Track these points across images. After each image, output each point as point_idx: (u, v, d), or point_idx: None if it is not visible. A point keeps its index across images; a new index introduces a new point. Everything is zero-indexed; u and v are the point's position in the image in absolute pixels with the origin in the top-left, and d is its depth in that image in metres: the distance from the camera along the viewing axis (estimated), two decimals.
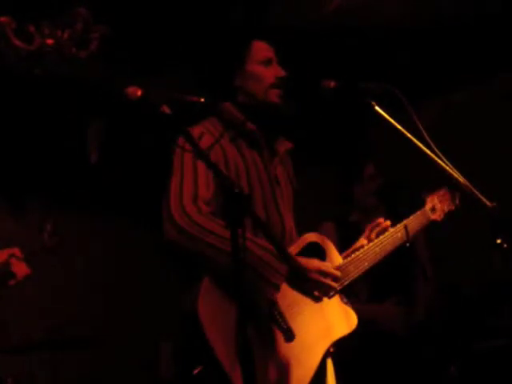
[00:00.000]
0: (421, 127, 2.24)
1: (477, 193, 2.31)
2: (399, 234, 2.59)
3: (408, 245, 2.61)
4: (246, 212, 1.83)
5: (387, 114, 2.29)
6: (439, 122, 4.56)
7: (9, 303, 4.76)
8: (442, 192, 2.83)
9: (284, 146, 2.58)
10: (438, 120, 4.61)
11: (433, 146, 2.26)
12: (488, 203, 2.36)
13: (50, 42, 2.54)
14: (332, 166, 4.83)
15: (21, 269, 3.22)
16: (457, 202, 2.83)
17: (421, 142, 2.28)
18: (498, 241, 2.36)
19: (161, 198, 2.36)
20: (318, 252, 2.40)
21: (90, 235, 5.34)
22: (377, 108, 2.30)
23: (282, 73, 2.51)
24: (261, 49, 2.54)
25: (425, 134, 2.25)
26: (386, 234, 2.57)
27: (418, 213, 2.73)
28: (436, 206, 2.79)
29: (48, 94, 4.03)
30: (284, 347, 2.18)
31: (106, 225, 5.38)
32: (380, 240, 2.56)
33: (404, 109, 2.23)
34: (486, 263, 2.50)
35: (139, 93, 1.98)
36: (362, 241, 2.57)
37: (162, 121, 1.95)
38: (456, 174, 2.25)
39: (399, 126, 2.28)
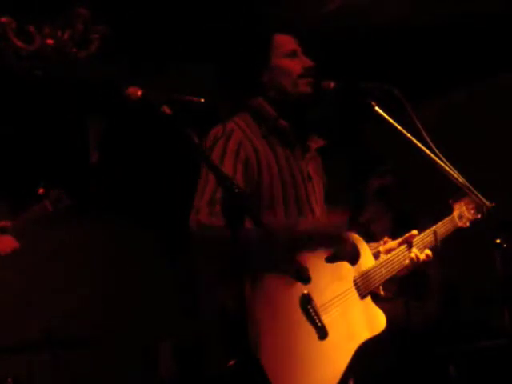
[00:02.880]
0: (420, 127, 2.24)
1: (476, 193, 2.31)
2: (428, 239, 2.60)
3: (438, 249, 2.62)
4: (246, 211, 1.84)
5: (387, 114, 2.30)
6: (439, 122, 4.56)
7: (9, 303, 4.77)
8: (467, 199, 2.77)
9: (316, 142, 2.58)
10: (437, 120, 4.61)
11: (432, 146, 2.26)
12: (487, 203, 2.37)
13: (50, 42, 2.55)
14: (343, 164, 4.81)
15: (4, 243, 3.13)
16: (484, 210, 2.74)
17: (420, 142, 2.28)
18: (498, 241, 2.37)
19: (162, 198, 2.39)
20: (353, 252, 2.43)
21: (90, 235, 5.34)
22: (377, 108, 2.31)
23: (308, 62, 2.48)
24: (284, 42, 2.52)
25: (424, 134, 2.25)
26: (416, 238, 2.58)
27: (447, 219, 2.71)
28: (463, 213, 2.77)
29: (48, 94, 4.03)
30: (316, 344, 2.21)
31: (106, 225, 5.38)
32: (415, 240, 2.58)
33: (404, 109, 2.23)
34: (485, 263, 2.50)
35: (139, 93, 1.98)
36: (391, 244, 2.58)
37: (162, 121, 1.96)
38: (455, 174, 2.25)
39: (399, 127, 2.28)
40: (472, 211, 2.78)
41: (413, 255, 2.51)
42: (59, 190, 3.39)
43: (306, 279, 1.85)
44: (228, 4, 3.96)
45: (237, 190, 1.83)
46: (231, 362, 2.17)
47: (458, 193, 2.54)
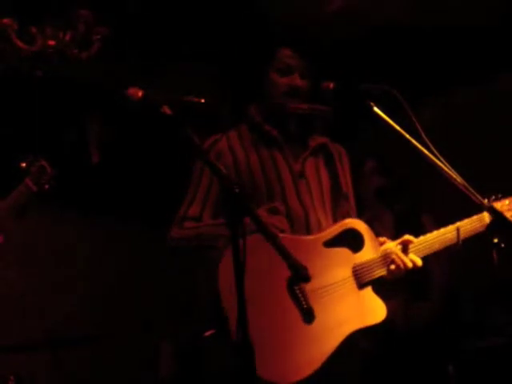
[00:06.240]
0: (419, 127, 2.25)
1: (474, 192, 2.32)
2: (449, 235, 2.51)
3: (458, 247, 2.51)
4: (246, 211, 1.86)
5: (386, 114, 2.31)
6: (439, 122, 4.56)
7: (10, 302, 4.79)
8: (508, 201, 2.63)
9: (315, 141, 2.61)
10: (438, 120, 4.61)
11: (431, 146, 2.27)
12: (485, 203, 2.38)
13: (51, 43, 2.57)
14: None
15: None
16: None
17: (419, 143, 2.29)
18: (496, 240, 2.37)
19: (162, 198, 2.47)
20: (357, 239, 2.42)
21: (90, 235, 5.36)
22: (375, 109, 2.32)
23: (297, 83, 2.53)
24: (283, 56, 2.56)
25: (423, 135, 2.26)
26: (434, 232, 2.52)
27: (475, 217, 2.57)
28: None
29: (50, 95, 4.05)
30: (302, 327, 2.23)
31: (107, 224, 5.40)
32: (426, 238, 2.51)
33: (403, 109, 2.24)
34: (484, 263, 2.51)
35: (140, 94, 2.00)
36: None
37: (162, 121, 1.97)
38: (454, 174, 2.26)
39: (398, 127, 2.29)
40: (510, 213, 2.58)
41: (398, 261, 2.43)
42: (41, 160, 3.39)
43: (305, 279, 1.86)
44: (228, 4, 3.97)
45: (237, 191, 1.85)
46: (208, 332, 2.20)
47: (477, 199, 2.44)
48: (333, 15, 4.16)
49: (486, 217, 2.58)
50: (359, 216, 3.96)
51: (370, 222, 3.90)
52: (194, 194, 2.51)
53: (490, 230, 2.48)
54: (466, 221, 2.56)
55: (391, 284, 2.48)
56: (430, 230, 2.56)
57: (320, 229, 2.46)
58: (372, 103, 2.31)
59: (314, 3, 4.11)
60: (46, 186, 3.38)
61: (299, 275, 1.85)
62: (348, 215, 2.60)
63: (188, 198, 2.53)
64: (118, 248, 5.42)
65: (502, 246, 2.31)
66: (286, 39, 2.61)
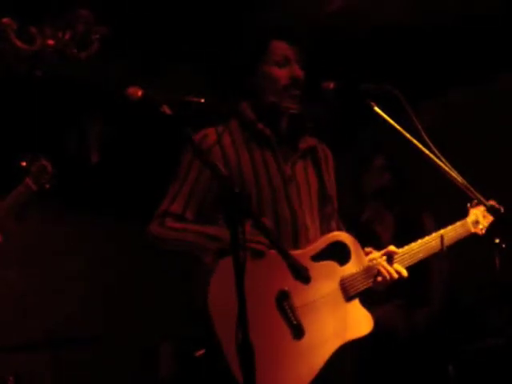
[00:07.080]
0: (419, 127, 2.25)
1: (475, 192, 2.32)
2: (433, 243, 2.51)
3: (443, 253, 2.52)
4: (245, 211, 1.86)
5: (386, 114, 2.31)
6: (439, 122, 4.56)
7: (10, 302, 4.79)
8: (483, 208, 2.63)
9: (306, 143, 2.56)
10: (437, 120, 4.62)
11: (431, 146, 2.27)
12: (485, 203, 2.38)
13: (51, 42, 2.56)
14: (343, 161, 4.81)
15: None
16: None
17: (420, 143, 2.29)
18: (497, 240, 2.37)
19: (162, 198, 2.46)
20: (343, 252, 2.41)
21: (90, 235, 5.36)
22: (376, 108, 2.32)
23: (298, 73, 2.46)
24: (278, 48, 2.48)
25: (423, 134, 2.26)
26: (418, 242, 2.51)
27: (458, 224, 2.61)
28: (479, 219, 2.66)
29: (49, 95, 4.05)
30: (291, 343, 2.21)
31: (106, 225, 5.39)
32: (410, 247, 2.51)
33: (404, 109, 2.24)
34: (484, 263, 2.51)
35: (140, 93, 1.99)
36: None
37: (162, 121, 1.97)
38: (454, 174, 2.26)
39: (398, 127, 2.29)
40: (490, 219, 2.65)
41: (384, 272, 2.41)
42: (41, 160, 3.38)
43: (305, 278, 1.86)
44: (228, 5, 3.97)
45: (237, 191, 1.85)
46: (200, 352, 2.18)
47: (478, 199, 2.41)
48: (333, 15, 4.15)
49: (469, 223, 2.61)
50: (359, 215, 3.99)
51: (370, 222, 3.94)
52: (179, 189, 2.43)
53: (491, 230, 2.48)
54: (449, 228, 2.58)
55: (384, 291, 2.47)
56: (430, 230, 2.57)
57: (307, 234, 2.44)
58: (372, 103, 2.31)
59: (314, 3, 4.10)
60: (47, 186, 3.38)
61: (300, 275, 1.85)
62: (332, 217, 2.59)
63: (171, 192, 2.45)
64: (118, 248, 5.42)
65: (503, 246, 2.31)
66: (278, 32, 2.52)
